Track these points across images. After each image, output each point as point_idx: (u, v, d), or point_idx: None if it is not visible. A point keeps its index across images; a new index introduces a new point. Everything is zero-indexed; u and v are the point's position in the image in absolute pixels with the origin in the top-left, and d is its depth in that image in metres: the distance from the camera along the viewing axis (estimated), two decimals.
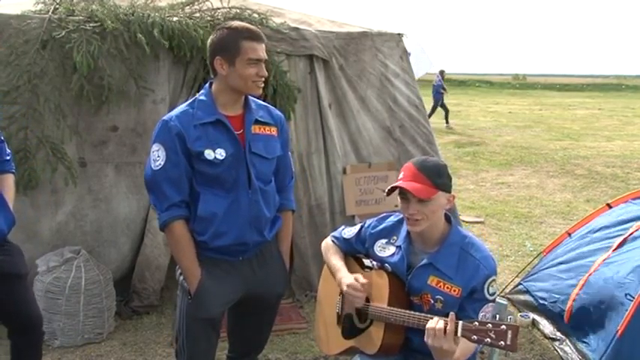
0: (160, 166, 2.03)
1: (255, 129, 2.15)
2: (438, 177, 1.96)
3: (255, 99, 2.22)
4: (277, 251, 2.32)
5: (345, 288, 2.07)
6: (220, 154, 2.04)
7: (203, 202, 2.06)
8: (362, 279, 2.05)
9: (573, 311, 3.26)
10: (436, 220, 2.00)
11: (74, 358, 3.22)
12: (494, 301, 1.99)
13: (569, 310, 3.28)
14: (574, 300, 3.26)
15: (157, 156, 2.04)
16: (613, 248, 3.30)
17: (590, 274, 3.27)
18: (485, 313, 1.95)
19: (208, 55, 2.10)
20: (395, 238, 2.13)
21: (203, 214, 2.06)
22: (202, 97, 2.10)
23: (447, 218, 2.07)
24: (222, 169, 2.05)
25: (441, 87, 16.01)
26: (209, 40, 2.10)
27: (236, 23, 2.09)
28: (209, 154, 2.03)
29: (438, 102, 15.90)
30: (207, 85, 2.15)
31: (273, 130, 2.21)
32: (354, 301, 2.06)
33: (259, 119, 2.17)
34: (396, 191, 2.00)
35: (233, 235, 2.09)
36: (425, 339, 1.78)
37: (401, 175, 1.99)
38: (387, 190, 2.00)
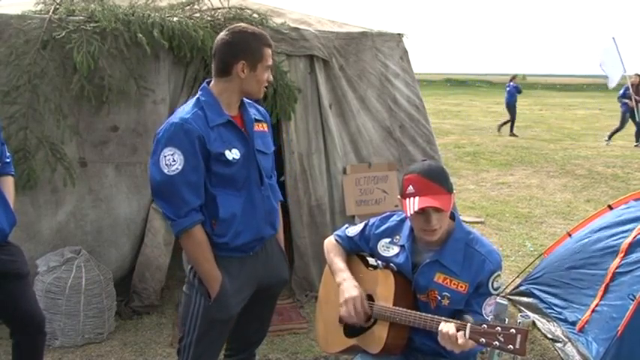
0: (178, 171, 1.98)
1: (255, 127, 2.20)
2: (446, 181, 1.96)
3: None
4: (275, 240, 2.37)
5: (345, 296, 2.07)
6: (236, 153, 2.08)
7: (222, 204, 2.06)
8: (365, 303, 2.06)
9: (589, 321, 3.23)
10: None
11: (74, 358, 3.22)
12: (498, 294, 2.00)
13: (585, 320, 3.24)
14: (593, 310, 3.23)
15: (173, 160, 1.99)
16: (622, 254, 3.26)
17: (606, 284, 3.23)
18: (489, 305, 1.96)
19: (226, 56, 2.06)
20: (398, 237, 2.13)
21: (224, 215, 2.06)
22: (204, 98, 2.09)
23: (451, 215, 2.07)
24: (237, 168, 2.09)
25: (625, 96, 12.72)
26: (224, 41, 2.07)
27: (252, 28, 2.12)
28: (228, 154, 2.05)
29: (626, 115, 12.84)
30: (205, 84, 2.14)
31: (265, 127, 2.28)
32: (348, 316, 2.07)
33: (256, 117, 2.23)
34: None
35: (251, 232, 2.13)
36: (440, 343, 1.79)
37: (411, 189, 1.93)
38: (415, 211, 1.91)
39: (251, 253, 2.20)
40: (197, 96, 2.12)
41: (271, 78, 2.15)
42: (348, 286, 2.10)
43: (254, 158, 2.14)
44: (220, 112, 2.08)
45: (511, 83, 15.16)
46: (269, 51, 2.11)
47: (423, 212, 1.92)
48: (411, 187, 1.94)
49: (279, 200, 2.40)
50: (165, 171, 1.99)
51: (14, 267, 2.36)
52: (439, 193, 1.92)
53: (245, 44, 2.05)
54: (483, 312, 1.95)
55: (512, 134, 14.39)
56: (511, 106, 14.79)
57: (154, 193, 2.08)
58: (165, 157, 2.00)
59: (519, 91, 15.19)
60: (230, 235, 2.09)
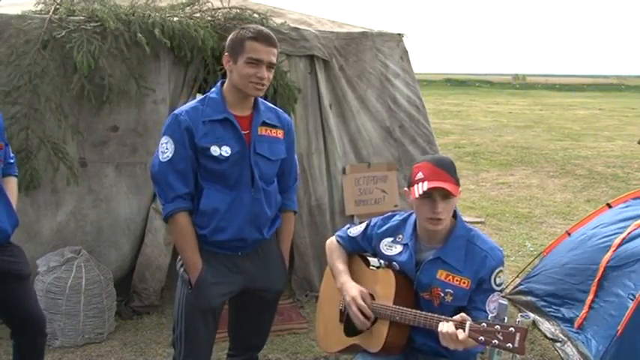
0: (168, 158, 2.09)
1: (262, 130, 2.19)
2: (455, 172, 1.99)
3: (265, 101, 2.28)
4: (277, 249, 2.36)
5: (348, 299, 2.08)
6: (226, 151, 2.10)
7: (206, 197, 2.12)
8: (368, 299, 2.07)
9: (587, 318, 3.23)
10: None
11: (75, 358, 3.22)
12: (501, 291, 2.01)
13: (583, 317, 3.24)
14: (590, 307, 3.23)
15: (166, 148, 2.10)
16: (614, 249, 3.28)
17: (599, 279, 3.23)
18: (492, 302, 1.97)
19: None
20: (400, 236, 2.14)
21: (205, 208, 2.12)
22: (213, 95, 2.16)
23: (452, 213, 2.08)
24: (227, 166, 2.11)
25: None
26: None
27: (252, 26, 2.15)
28: (215, 150, 2.08)
29: None
30: (219, 83, 2.21)
31: (280, 133, 2.26)
32: (353, 316, 2.07)
33: (266, 121, 2.22)
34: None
35: (232, 231, 2.15)
36: (441, 343, 1.80)
37: (420, 175, 1.96)
38: (423, 192, 1.92)
39: (240, 253, 2.21)
40: (208, 93, 2.19)
41: (263, 74, 2.07)
42: (349, 287, 2.11)
43: (248, 159, 2.14)
44: (220, 110, 2.12)
45: None
46: (254, 45, 2.04)
47: (429, 197, 1.94)
48: (420, 173, 1.97)
49: (292, 210, 2.39)
50: (160, 158, 2.12)
51: (16, 268, 2.36)
52: (448, 180, 1.93)
53: (231, 39, 2.12)
54: (487, 309, 1.96)
55: None
56: None
57: (152, 180, 2.19)
58: (161, 145, 2.13)
59: None
60: (210, 228, 2.13)
